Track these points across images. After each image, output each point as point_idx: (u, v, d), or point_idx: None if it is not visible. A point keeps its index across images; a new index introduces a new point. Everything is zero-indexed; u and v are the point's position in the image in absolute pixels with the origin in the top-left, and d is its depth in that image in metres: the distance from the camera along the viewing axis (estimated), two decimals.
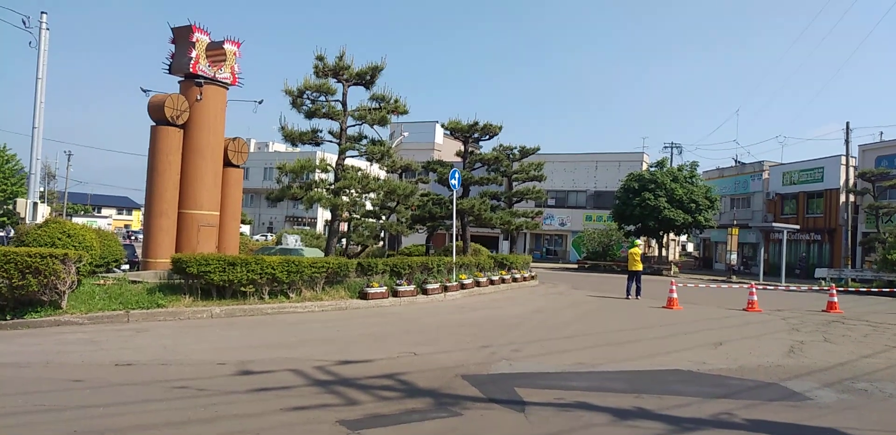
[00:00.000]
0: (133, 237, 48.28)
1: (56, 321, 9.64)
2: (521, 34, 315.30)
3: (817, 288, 24.23)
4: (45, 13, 17.27)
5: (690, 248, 74.34)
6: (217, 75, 16.24)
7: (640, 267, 18.38)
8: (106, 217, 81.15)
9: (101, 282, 12.51)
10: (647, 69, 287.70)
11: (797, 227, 36.39)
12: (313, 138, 17.82)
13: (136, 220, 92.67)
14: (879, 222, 32.53)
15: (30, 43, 17.19)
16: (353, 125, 18.01)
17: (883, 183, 32.75)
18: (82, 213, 72.75)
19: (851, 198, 36.27)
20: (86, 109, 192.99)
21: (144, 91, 15.84)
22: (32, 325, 9.44)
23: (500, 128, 23.15)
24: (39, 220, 16.77)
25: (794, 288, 23.87)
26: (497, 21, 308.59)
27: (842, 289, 23.68)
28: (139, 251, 18.93)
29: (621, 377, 7.50)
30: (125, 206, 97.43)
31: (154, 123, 15.54)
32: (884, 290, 23.81)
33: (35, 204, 17.90)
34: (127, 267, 17.24)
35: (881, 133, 39.80)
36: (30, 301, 9.76)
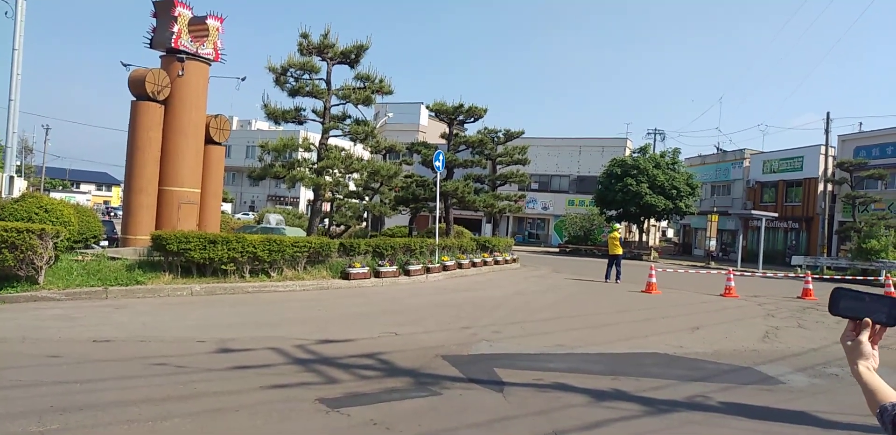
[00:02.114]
0: (112, 213, 47.59)
1: (33, 297, 9.53)
2: (507, 19, 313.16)
3: (793, 275, 24.61)
4: None
5: (671, 233, 74.93)
6: (199, 51, 15.94)
7: (619, 251, 18.54)
8: (85, 193, 79.88)
9: (80, 258, 12.36)
10: (633, 56, 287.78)
11: (776, 215, 36.88)
12: (296, 117, 17.62)
13: (115, 196, 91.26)
14: (855, 212, 32.98)
15: (6, 13, 16.75)
16: (338, 104, 17.83)
17: (860, 173, 33.14)
18: (60, 188, 71.62)
19: (829, 187, 36.72)
20: (64, 83, 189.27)
21: (125, 65, 15.53)
22: (8, 300, 9.33)
23: (485, 110, 23.06)
24: (16, 194, 16.47)
25: (771, 275, 24.26)
26: (483, 5, 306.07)
27: (817, 276, 24.09)
28: (118, 228, 18.71)
29: (600, 359, 7.59)
30: (104, 181, 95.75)
31: (134, 99, 15.25)
32: (857, 278, 24.24)
33: (11, 178, 17.56)
34: (106, 243, 17.02)
35: (860, 124, 40.22)
36: (6, 276, 9.64)
